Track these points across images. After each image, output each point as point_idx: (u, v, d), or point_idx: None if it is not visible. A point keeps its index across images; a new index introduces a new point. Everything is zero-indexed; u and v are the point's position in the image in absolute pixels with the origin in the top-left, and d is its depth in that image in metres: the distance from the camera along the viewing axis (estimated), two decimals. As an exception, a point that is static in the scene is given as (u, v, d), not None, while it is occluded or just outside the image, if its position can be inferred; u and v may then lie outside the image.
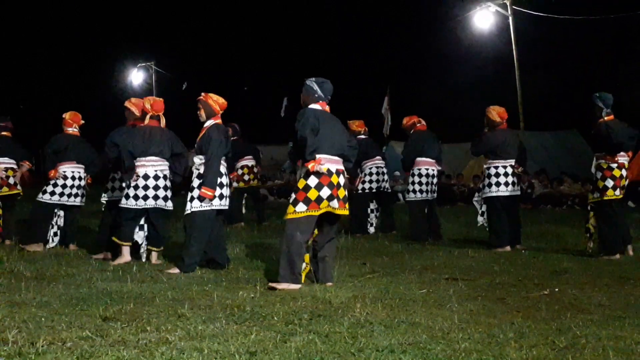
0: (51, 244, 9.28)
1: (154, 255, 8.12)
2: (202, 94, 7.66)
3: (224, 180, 7.54)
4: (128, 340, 4.55)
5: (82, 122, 9.54)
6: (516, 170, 9.45)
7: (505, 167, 9.42)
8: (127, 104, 8.67)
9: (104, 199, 8.81)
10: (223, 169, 7.53)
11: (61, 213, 9.40)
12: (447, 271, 7.49)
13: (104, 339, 4.59)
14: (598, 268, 7.71)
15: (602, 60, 31.01)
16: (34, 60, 43.73)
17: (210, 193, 7.34)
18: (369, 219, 11.74)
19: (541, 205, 18.58)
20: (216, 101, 7.62)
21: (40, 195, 9.25)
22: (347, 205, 6.69)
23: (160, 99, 8.36)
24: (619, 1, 27.59)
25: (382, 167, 11.71)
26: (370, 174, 11.57)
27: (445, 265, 7.97)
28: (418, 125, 10.92)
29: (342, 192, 6.60)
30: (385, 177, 11.79)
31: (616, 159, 8.48)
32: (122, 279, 6.87)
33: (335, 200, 6.52)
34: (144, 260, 8.13)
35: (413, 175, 10.65)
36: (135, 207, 7.94)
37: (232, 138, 12.24)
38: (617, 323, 5.07)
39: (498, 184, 9.40)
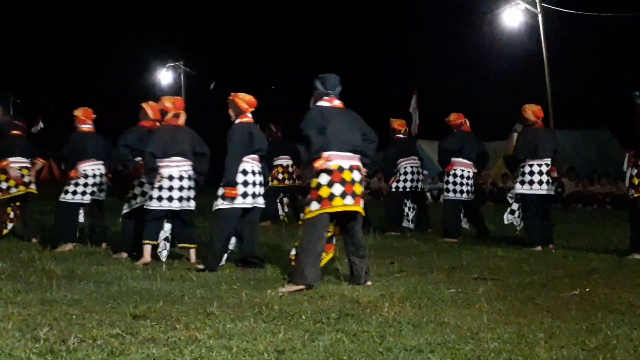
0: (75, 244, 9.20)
1: (192, 252, 8.14)
2: (232, 94, 7.65)
3: (249, 178, 7.45)
4: (157, 338, 4.59)
5: (94, 116, 9.47)
6: (551, 172, 9.39)
7: (540, 165, 9.37)
8: (143, 104, 8.75)
9: (125, 209, 8.64)
10: (250, 167, 7.47)
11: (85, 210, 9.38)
12: (476, 271, 7.46)
13: (134, 337, 4.63)
14: (629, 268, 7.63)
15: (634, 58, 30.67)
16: (66, 61, 44.30)
17: (234, 192, 7.29)
18: (405, 216, 11.74)
19: (572, 204, 18.43)
20: (242, 99, 7.58)
21: (62, 195, 9.20)
22: (362, 202, 6.56)
23: (180, 97, 8.28)
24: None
25: (417, 167, 11.69)
26: (405, 172, 11.56)
27: (474, 264, 7.93)
28: (464, 125, 10.85)
29: (359, 188, 6.48)
30: (420, 176, 11.78)
31: None
32: (151, 278, 6.93)
33: (350, 197, 6.41)
34: (163, 259, 8.06)
35: (448, 175, 10.65)
36: (160, 208, 7.94)
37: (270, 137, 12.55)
38: (649, 324, 5.02)
39: (532, 182, 9.35)
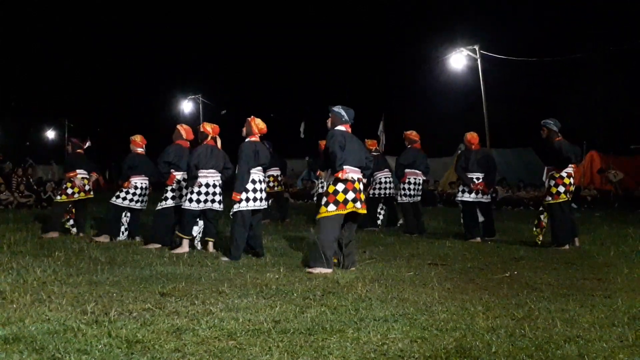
0: (121, 237, 9.24)
1: (210, 244, 8.09)
2: (251, 117, 7.53)
3: (257, 186, 7.33)
4: (180, 312, 4.57)
5: (146, 142, 9.51)
6: (479, 186, 9.39)
7: (471, 178, 9.42)
8: (178, 126, 8.75)
9: (159, 207, 8.55)
10: (256, 176, 7.36)
11: (128, 214, 9.39)
12: (429, 258, 7.46)
13: (161, 310, 4.60)
14: (548, 255, 7.66)
15: (551, 92, 30.97)
16: (109, 93, 44.49)
17: (238, 197, 7.20)
18: (378, 216, 11.70)
19: (503, 206, 18.49)
20: (257, 124, 7.49)
21: (113, 199, 9.21)
22: (365, 206, 6.65)
23: (216, 125, 8.18)
24: (563, 47, 27.62)
25: (389, 177, 11.57)
26: (380, 182, 11.46)
27: (428, 253, 7.94)
28: (415, 143, 10.77)
29: (362, 196, 6.58)
30: (392, 184, 11.66)
31: (565, 169, 8.39)
32: (176, 264, 6.89)
33: (359, 202, 6.49)
34: (199, 248, 8.06)
35: (404, 183, 10.57)
36: (197, 208, 7.88)
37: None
38: (563, 299, 5.04)
39: (470, 192, 9.38)
